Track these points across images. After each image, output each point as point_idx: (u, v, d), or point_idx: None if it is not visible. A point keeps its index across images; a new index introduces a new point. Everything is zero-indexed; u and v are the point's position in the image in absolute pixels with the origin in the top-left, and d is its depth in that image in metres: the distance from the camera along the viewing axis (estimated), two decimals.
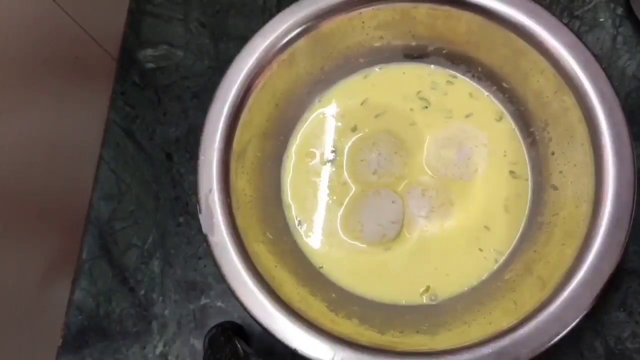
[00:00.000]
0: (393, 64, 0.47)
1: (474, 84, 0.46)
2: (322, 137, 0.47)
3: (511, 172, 0.44)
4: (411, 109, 0.46)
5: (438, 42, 0.45)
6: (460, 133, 0.45)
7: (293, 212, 0.45)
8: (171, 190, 0.49)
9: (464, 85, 0.47)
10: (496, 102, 0.46)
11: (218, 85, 0.41)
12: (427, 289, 0.42)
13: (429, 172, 0.45)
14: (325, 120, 0.47)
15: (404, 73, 0.47)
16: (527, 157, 0.45)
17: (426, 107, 0.46)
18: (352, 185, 0.45)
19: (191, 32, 0.53)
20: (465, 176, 0.45)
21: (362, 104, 0.47)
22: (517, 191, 0.44)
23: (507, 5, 0.40)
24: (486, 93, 0.46)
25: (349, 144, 0.46)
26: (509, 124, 0.45)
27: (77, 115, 0.52)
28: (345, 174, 0.46)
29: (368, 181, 0.45)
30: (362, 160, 0.45)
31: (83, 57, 0.52)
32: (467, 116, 0.46)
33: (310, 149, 0.47)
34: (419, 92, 0.47)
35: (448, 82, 0.47)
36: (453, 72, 0.47)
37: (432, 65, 0.47)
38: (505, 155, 0.45)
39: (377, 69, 0.47)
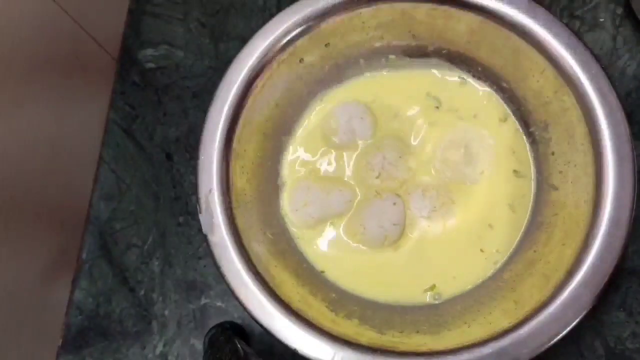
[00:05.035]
0: (398, 63, 0.47)
1: (477, 84, 0.46)
2: (322, 138, 0.47)
3: (515, 171, 0.44)
4: (416, 110, 0.46)
5: (438, 42, 0.45)
6: (466, 135, 0.45)
7: None
8: (171, 190, 0.49)
9: (471, 86, 0.46)
10: (502, 102, 0.46)
11: (218, 85, 0.41)
12: (430, 289, 0.42)
13: (434, 174, 0.45)
14: (326, 121, 0.47)
15: (408, 74, 0.47)
16: (530, 156, 0.44)
17: (437, 108, 0.46)
18: (354, 187, 0.45)
19: (191, 32, 0.53)
20: (471, 178, 0.44)
21: (365, 104, 0.47)
22: (522, 191, 0.44)
23: (507, 5, 0.40)
24: (492, 94, 0.46)
25: (352, 146, 0.46)
26: (513, 124, 0.45)
27: (77, 115, 0.52)
28: (348, 176, 0.46)
29: (370, 184, 0.45)
30: (365, 164, 0.45)
31: (83, 57, 0.52)
32: (475, 116, 0.46)
33: (311, 149, 0.47)
34: (424, 94, 0.47)
35: (454, 83, 0.47)
36: (456, 73, 0.47)
37: (435, 67, 0.47)
38: (513, 154, 0.44)
39: (383, 66, 0.47)
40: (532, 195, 0.44)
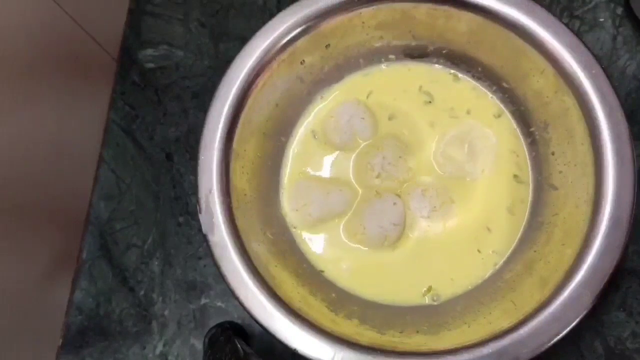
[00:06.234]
0: (397, 62, 0.47)
1: (475, 83, 0.46)
2: (322, 138, 0.47)
3: (515, 176, 0.44)
4: (416, 108, 0.46)
5: (438, 42, 0.45)
6: (470, 132, 0.45)
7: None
8: (171, 190, 0.49)
9: (464, 82, 0.46)
10: (497, 101, 0.46)
11: (218, 85, 0.41)
12: (429, 289, 0.42)
13: (436, 169, 0.45)
14: (326, 121, 0.47)
15: (408, 70, 0.47)
16: (527, 157, 0.45)
17: (429, 102, 0.46)
18: (354, 187, 0.45)
19: (191, 32, 0.53)
20: (472, 175, 0.44)
21: (364, 103, 0.47)
22: (522, 196, 0.44)
23: (507, 5, 0.40)
24: (486, 92, 0.46)
25: (352, 145, 0.46)
26: (508, 120, 0.45)
27: (77, 115, 0.52)
28: (348, 176, 0.46)
29: (371, 184, 0.45)
30: (365, 164, 0.45)
31: (83, 57, 0.52)
32: (468, 112, 0.46)
33: (311, 150, 0.47)
34: (417, 88, 0.47)
35: (447, 78, 0.47)
36: (454, 72, 0.47)
37: (435, 64, 0.47)
38: (513, 154, 0.45)
39: (382, 67, 0.47)
40: (530, 200, 0.44)
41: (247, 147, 0.42)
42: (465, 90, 0.46)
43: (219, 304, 0.46)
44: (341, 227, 0.44)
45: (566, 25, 0.39)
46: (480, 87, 0.46)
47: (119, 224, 0.49)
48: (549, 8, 0.41)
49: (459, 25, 0.43)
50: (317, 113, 0.47)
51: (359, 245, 0.44)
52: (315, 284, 0.42)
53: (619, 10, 0.50)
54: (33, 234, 0.47)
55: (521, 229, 0.43)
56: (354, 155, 0.46)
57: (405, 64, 0.47)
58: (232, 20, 0.53)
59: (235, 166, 0.41)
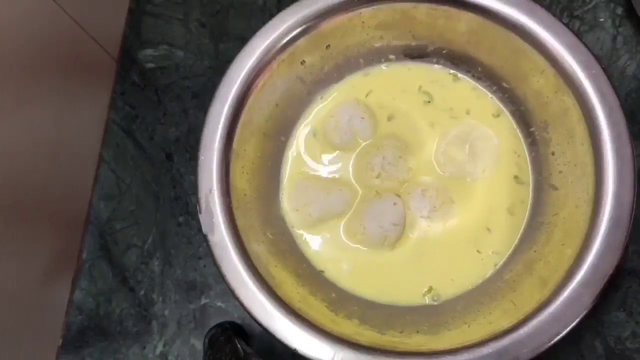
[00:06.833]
0: (397, 62, 0.47)
1: (475, 83, 0.46)
2: (323, 138, 0.47)
3: (516, 177, 0.44)
4: (416, 108, 0.46)
5: (438, 42, 0.45)
6: (471, 132, 0.45)
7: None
8: (171, 190, 0.49)
9: (463, 82, 0.47)
10: (497, 101, 0.46)
11: (218, 85, 0.41)
12: (430, 289, 0.42)
13: (436, 169, 0.45)
14: (326, 121, 0.47)
15: (408, 70, 0.47)
16: (527, 158, 0.45)
17: (428, 102, 0.46)
18: (354, 187, 0.45)
19: (191, 32, 0.53)
20: (473, 175, 0.44)
21: (364, 103, 0.47)
22: (522, 197, 0.44)
23: (507, 5, 0.40)
24: (486, 92, 0.46)
25: (352, 145, 0.46)
26: (510, 122, 0.45)
27: (77, 115, 0.52)
28: (348, 176, 0.46)
29: (371, 184, 0.45)
30: (366, 164, 0.45)
31: (83, 57, 0.52)
32: (468, 112, 0.46)
33: (311, 150, 0.47)
34: (417, 88, 0.47)
35: (446, 79, 0.47)
36: (454, 72, 0.47)
37: (435, 64, 0.47)
38: (516, 156, 0.45)
39: (382, 67, 0.47)
40: (530, 200, 0.44)
41: (247, 147, 0.42)
42: (465, 90, 0.46)
43: (219, 304, 0.46)
44: (341, 227, 0.44)
45: (566, 25, 0.39)
46: (480, 87, 0.46)
47: (119, 224, 0.49)
48: (549, 8, 0.41)
49: (459, 25, 0.43)
50: (317, 113, 0.47)
51: (359, 245, 0.44)
52: (315, 284, 0.42)
53: (619, 10, 0.50)
54: (33, 234, 0.47)
55: (521, 229, 0.43)
56: (354, 155, 0.46)
57: (405, 64, 0.47)
58: (232, 20, 0.53)
59: (235, 166, 0.41)
